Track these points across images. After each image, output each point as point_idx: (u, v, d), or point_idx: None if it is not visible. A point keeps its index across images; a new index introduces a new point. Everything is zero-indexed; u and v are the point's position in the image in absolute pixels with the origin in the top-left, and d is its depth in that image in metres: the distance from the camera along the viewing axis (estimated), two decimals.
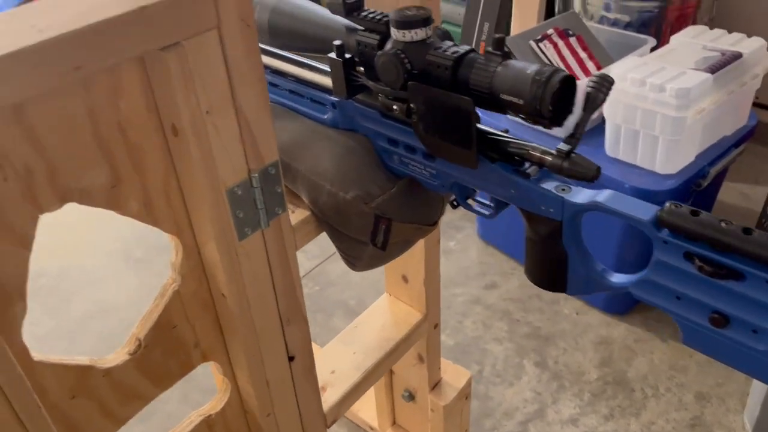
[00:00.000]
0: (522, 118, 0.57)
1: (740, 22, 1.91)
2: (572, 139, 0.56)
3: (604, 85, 0.55)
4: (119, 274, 1.80)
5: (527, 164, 0.61)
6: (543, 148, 0.58)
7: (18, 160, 0.49)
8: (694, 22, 1.79)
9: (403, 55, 0.60)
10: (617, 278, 0.59)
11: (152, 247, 1.87)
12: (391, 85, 0.62)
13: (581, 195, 0.57)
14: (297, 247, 0.72)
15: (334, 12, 0.66)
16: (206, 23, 0.53)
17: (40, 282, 1.75)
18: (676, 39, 1.47)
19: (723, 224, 0.49)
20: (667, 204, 0.52)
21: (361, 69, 0.68)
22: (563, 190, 0.58)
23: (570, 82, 0.54)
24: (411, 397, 1.18)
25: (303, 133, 0.74)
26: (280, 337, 0.76)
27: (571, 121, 0.56)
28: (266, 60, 0.77)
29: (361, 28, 0.65)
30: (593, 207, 0.56)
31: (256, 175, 0.62)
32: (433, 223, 0.75)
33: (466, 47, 0.59)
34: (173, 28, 0.51)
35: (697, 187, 1.35)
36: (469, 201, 0.68)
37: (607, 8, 1.78)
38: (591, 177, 0.55)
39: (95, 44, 0.47)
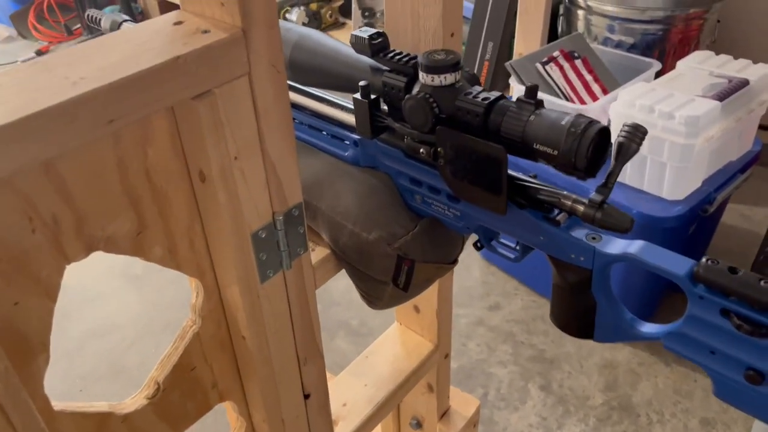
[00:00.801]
0: (554, 167, 0.56)
1: (741, 45, 1.92)
2: (604, 189, 0.56)
3: (637, 135, 0.55)
4: (119, 291, 1.79)
5: (556, 211, 0.60)
6: (574, 196, 0.58)
7: (46, 211, 0.48)
8: (697, 45, 1.80)
9: (431, 100, 0.60)
10: (647, 328, 0.58)
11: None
12: (418, 128, 0.62)
13: (613, 245, 0.57)
14: (316, 286, 0.72)
15: (359, 51, 0.66)
16: (238, 70, 0.52)
17: None
18: (682, 64, 1.47)
19: (762, 282, 0.48)
20: (704, 260, 0.51)
21: (386, 108, 0.67)
22: (594, 238, 0.58)
23: (605, 133, 0.54)
24: (419, 425, 1.17)
25: (323, 170, 0.73)
26: (297, 375, 0.75)
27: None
28: None
29: (387, 69, 0.65)
30: (625, 258, 0.56)
31: (281, 218, 0.62)
32: (453, 261, 0.74)
33: (496, 93, 0.59)
34: (206, 77, 0.50)
35: (703, 213, 1.36)
36: (493, 243, 0.67)
37: (611, 30, 1.79)
38: (624, 229, 0.54)
39: (130, 97, 0.46)
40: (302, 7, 1.97)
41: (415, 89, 0.62)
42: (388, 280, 0.70)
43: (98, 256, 0.55)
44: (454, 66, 0.60)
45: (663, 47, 1.77)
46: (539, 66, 1.55)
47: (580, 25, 1.88)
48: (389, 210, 0.69)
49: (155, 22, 0.54)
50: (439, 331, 1.01)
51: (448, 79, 0.60)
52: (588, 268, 0.58)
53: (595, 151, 0.53)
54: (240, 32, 0.51)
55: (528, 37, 1.83)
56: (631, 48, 1.77)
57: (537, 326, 1.62)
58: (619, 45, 1.78)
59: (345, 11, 2.18)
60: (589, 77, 1.59)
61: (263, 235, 0.61)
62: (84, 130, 0.45)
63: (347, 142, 0.73)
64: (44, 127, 0.43)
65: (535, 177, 0.62)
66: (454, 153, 0.60)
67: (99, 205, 0.51)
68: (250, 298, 0.63)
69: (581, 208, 0.56)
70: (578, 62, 1.60)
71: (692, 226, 1.41)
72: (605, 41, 1.80)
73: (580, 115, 0.54)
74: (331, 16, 2.03)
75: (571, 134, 0.53)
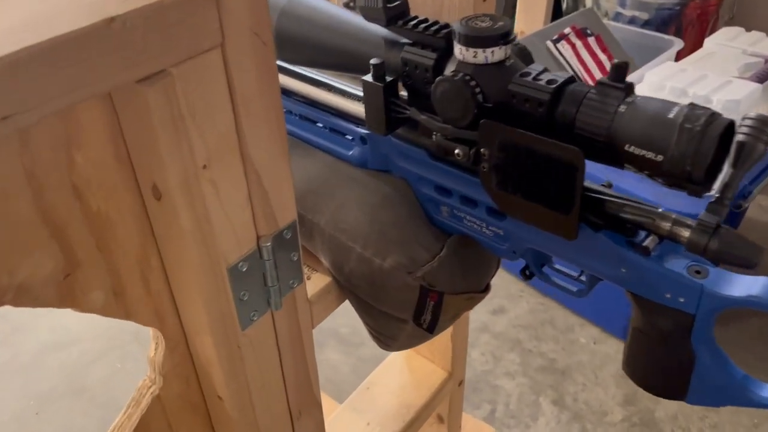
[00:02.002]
0: (652, 177, 0.40)
1: (761, 21, 1.78)
2: (719, 206, 0.40)
3: (764, 132, 0.39)
4: None
5: (642, 234, 0.45)
6: (675, 216, 0.42)
7: None
8: (716, 21, 1.65)
9: (473, 83, 0.44)
10: None
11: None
12: (453, 121, 0.46)
13: (727, 283, 0.42)
14: (313, 324, 0.56)
15: (369, 19, 0.49)
16: (206, 41, 0.36)
17: None
18: (711, 42, 1.32)
19: None
20: None
21: (405, 95, 0.51)
22: (698, 272, 0.42)
23: (730, 130, 0.38)
24: None
25: (320, 175, 0.57)
26: None
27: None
28: None
29: (409, 41, 0.49)
30: (748, 303, 0.40)
31: (268, 244, 0.45)
32: (485, 289, 0.59)
33: (565, 74, 0.43)
34: (157, 50, 0.34)
35: (737, 208, 1.21)
36: (546, 270, 0.52)
37: (623, 4, 1.63)
38: (752, 264, 0.39)
39: (35, 79, 0.30)
40: None
41: (449, 69, 0.46)
42: (408, 317, 0.54)
43: None
44: (503, 37, 0.44)
45: (679, 23, 1.62)
46: (550, 44, 1.39)
47: (588, 0, 1.72)
48: (408, 227, 0.53)
49: None
50: (453, 356, 0.85)
51: (496, 54, 0.44)
52: (690, 313, 0.43)
53: (716, 155, 0.38)
54: None
55: (530, 13, 1.67)
56: (645, 24, 1.62)
57: (545, 332, 1.48)
58: (632, 21, 1.63)
59: None
60: (603, 56, 1.44)
61: (244, 269, 0.45)
62: None
63: (350, 138, 0.57)
64: None
65: (610, 186, 0.46)
66: (505, 156, 0.44)
67: (1, 241, 0.35)
68: (228, 349, 0.47)
69: (686, 232, 0.41)
70: (591, 40, 1.44)
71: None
72: (617, 17, 1.65)
73: (693, 105, 0.38)
74: None
75: (687, 132, 0.37)
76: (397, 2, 0.48)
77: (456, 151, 0.47)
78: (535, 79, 0.43)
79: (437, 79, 0.45)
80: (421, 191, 0.54)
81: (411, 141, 0.52)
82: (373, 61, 0.49)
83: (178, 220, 0.40)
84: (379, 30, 0.50)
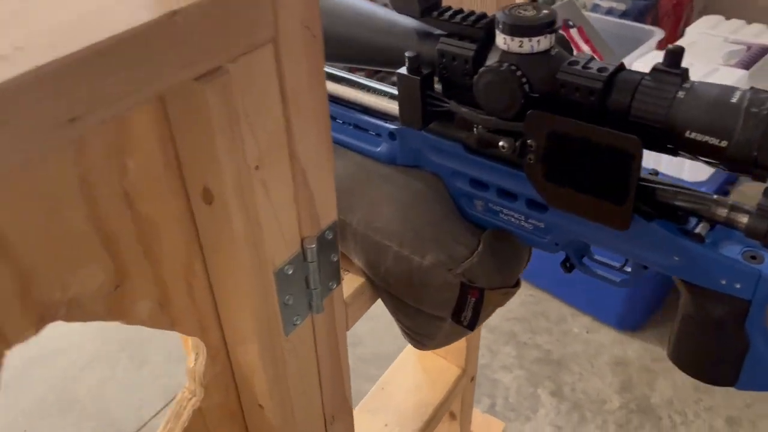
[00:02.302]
0: (708, 163, 0.40)
1: (734, 9, 1.81)
2: None
3: None
4: None
5: (693, 221, 0.44)
6: (732, 202, 0.42)
7: None
8: (691, 11, 1.67)
9: (519, 73, 0.43)
10: None
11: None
12: (498, 113, 0.45)
13: None
14: (348, 326, 0.54)
15: (401, 10, 0.48)
16: (260, 34, 0.34)
17: None
18: (692, 31, 1.34)
19: None
20: None
21: (439, 88, 0.50)
22: (753, 258, 0.42)
23: None
24: None
25: (350, 173, 0.55)
26: None
27: None
28: None
29: (443, 32, 0.47)
30: None
31: (313, 245, 0.44)
32: (517, 283, 0.58)
33: (615, 62, 0.42)
34: (215, 45, 0.32)
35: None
36: (587, 262, 0.51)
37: None
38: None
39: (98, 78, 0.28)
40: None
41: (490, 60, 0.45)
42: (447, 315, 0.53)
43: None
44: (549, 25, 0.43)
45: (656, 14, 1.64)
46: None
47: None
48: (444, 223, 0.52)
49: None
50: (467, 353, 0.84)
51: (542, 43, 0.43)
52: (746, 299, 0.43)
53: None
54: None
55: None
56: (623, 15, 1.63)
57: (539, 324, 1.48)
58: (609, 12, 1.64)
59: None
60: (586, 48, 1.45)
61: (290, 272, 0.44)
62: (27, 136, 0.26)
63: (374, 134, 0.56)
64: None
65: (656, 175, 0.46)
66: (555, 147, 0.43)
67: (56, 255, 0.33)
68: (272, 356, 0.46)
69: (744, 218, 0.41)
70: (574, 32, 1.45)
71: None
72: (594, 8, 1.66)
73: (756, 89, 0.38)
74: None
75: (753, 116, 0.37)
76: None
77: (500, 143, 0.46)
78: (584, 67, 0.42)
79: (480, 70, 0.44)
80: (454, 186, 0.53)
81: (444, 135, 0.51)
82: (408, 53, 0.48)
83: (231, 224, 0.38)
84: (410, 22, 0.49)
